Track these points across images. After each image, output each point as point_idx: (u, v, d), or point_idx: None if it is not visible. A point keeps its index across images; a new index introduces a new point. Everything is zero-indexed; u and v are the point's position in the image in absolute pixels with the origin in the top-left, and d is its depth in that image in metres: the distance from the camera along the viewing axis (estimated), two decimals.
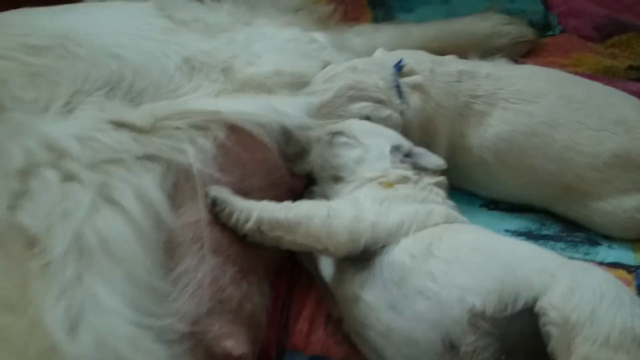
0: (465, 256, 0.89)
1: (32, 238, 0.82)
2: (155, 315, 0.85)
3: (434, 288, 0.87)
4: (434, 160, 1.08)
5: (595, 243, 1.11)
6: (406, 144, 1.10)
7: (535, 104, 1.15)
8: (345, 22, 1.64)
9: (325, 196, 1.08)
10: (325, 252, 0.96)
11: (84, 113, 0.98)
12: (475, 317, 0.83)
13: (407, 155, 1.07)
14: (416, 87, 1.22)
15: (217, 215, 0.98)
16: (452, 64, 1.26)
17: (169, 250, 0.93)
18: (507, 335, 0.83)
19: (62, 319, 0.77)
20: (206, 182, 0.99)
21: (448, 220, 0.99)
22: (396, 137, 1.12)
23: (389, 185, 1.02)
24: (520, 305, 0.83)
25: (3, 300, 0.77)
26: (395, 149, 1.07)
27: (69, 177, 0.89)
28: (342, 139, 1.09)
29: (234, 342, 0.92)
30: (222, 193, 0.99)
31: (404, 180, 1.03)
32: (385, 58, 1.28)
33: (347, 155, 1.08)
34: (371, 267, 0.93)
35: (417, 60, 1.27)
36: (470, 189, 1.24)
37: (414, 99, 1.21)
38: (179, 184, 0.99)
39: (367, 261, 0.94)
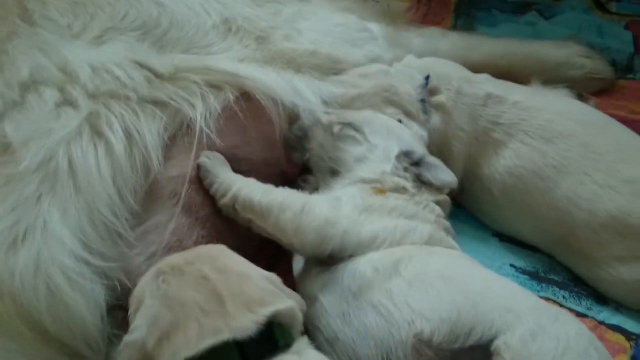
0: (429, 281, 0.82)
1: (8, 147, 0.84)
2: (107, 257, 0.85)
3: (388, 306, 0.81)
4: (443, 176, 0.99)
5: (602, 300, 1.00)
6: (419, 151, 1.02)
7: (552, 145, 1.05)
8: (422, 23, 1.58)
9: (318, 188, 1.02)
10: (291, 247, 0.91)
11: (112, 48, 1.00)
12: (420, 343, 0.77)
13: (416, 163, 0.99)
14: (439, 107, 1.15)
15: (202, 181, 0.96)
16: (482, 84, 1.18)
17: (147, 201, 0.93)
18: None
19: (6, 232, 0.79)
20: (204, 140, 0.98)
21: (429, 242, 0.91)
22: (410, 142, 1.03)
23: (381, 192, 0.95)
24: (472, 340, 0.76)
25: None
26: (404, 154, 0.99)
27: (66, 102, 0.91)
28: (350, 132, 1.02)
29: None
30: (210, 161, 0.97)
31: (400, 190, 0.96)
32: (415, 65, 1.21)
33: (350, 150, 1.01)
34: (334, 271, 0.88)
35: (446, 75, 1.19)
36: (479, 218, 1.16)
37: (435, 119, 1.15)
38: (177, 136, 0.98)
39: (332, 264, 0.89)
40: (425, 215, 0.94)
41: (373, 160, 0.99)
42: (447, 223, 0.97)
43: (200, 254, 0.79)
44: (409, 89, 1.15)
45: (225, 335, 0.69)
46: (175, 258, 0.78)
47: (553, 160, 1.04)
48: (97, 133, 0.89)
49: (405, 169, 0.98)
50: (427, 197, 0.96)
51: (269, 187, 0.93)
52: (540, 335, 0.74)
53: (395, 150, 1.00)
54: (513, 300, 0.80)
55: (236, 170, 0.98)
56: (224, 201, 0.93)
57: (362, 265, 0.86)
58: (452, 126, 1.14)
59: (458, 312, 0.78)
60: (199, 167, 0.96)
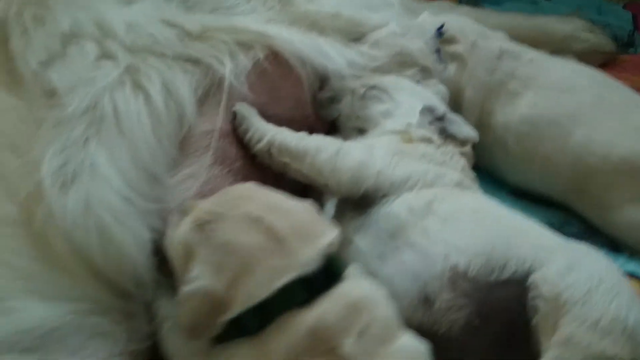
0: (463, 218, 0.87)
1: (55, 93, 0.87)
2: (149, 198, 0.87)
3: (424, 243, 0.85)
4: (466, 130, 1.04)
5: (616, 249, 1.05)
6: (442, 108, 1.07)
7: (567, 94, 1.11)
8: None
9: None
10: (326, 187, 0.95)
11: (141, 7, 1.02)
12: (456, 276, 0.81)
13: (440, 119, 1.04)
14: (455, 56, 1.20)
15: (236, 129, 0.99)
16: (497, 40, 1.23)
17: (182, 153, 0.96)
18: (487, 301, 0.80)
19: (57, 172, 0.81)
20: (233, 96, 1.01)
21: (459, 187, 0.95)
22: (433, 99, 1.09)
23: (409, 141, 0.99)
24: (507, 273, 0.80)
25: (10, 139, 0.82)
26: (428, 110, 1.04)
27: (106, 55, 0.93)
28: (375, 93, 1.08)
29: None
30: (245, 109, 1.00)
31: (427, 140, 1.00)
32: (429, 21, 1.26)
33: (376, 107, 1.06)
34: (369, 214, 0.92)
35: (461, 29, 1.24)
36: (492, 172, 1.20)
37: (450, 69, 1.19)
38: (209, 93, 1.01)
39: (366, 207, 0.93)
40: (453, 164, 0.98)
41: (399, 115, 1.04)
42: (473, 174, 1.01)
43: (239, 195, 0.81)
44: (420, 45, 1.18)
45: (293, 273, 0.72)
46: (212, 205, 0.79)
47: (568, 109, 1.10)
48: (137, 85, 0.92)
49: (430, 123, 1.02)
50: (452, 148, 1.01)
51: (303, 134, 0.97)
52: (576, 269, 0.78)
53: (419, 106, 1.04)
54: (544, 238, 0.85)
55: None
56: (260, 146, 0.97)
57: (396, 207, 0.90)
58: (466, 75, 1.19)
59: (492, 247, 0.82)
60: (234, 115, 0.99)
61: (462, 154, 1.02)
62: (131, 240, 0.82)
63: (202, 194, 0.94)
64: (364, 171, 0.92)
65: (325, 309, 0.71)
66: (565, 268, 0.78)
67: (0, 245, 0.75)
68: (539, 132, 1.11)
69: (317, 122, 1.12)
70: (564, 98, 1.11)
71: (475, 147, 1.15)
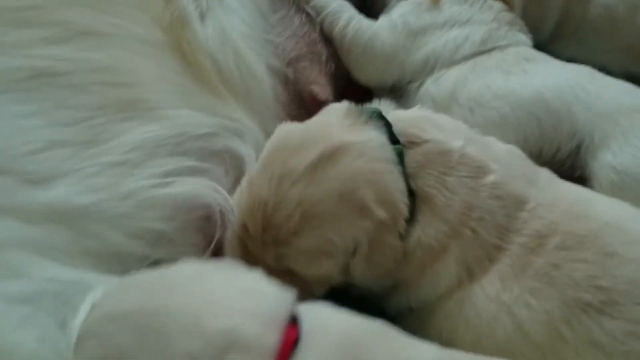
0: (488, 104, 0.88)
1: None
2: (264, 32, 0.99)
3: None
4: None
5: None
6: None
7: None
8: None
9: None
10: (359, 80, 1.03)
11: None
12: None
13: None
14: None
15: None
16: None
17: None
18: None
19: (194, 3, 0.91)
20: None
21: (484, 45, 0.96)
22: None
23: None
24: (548, 155, 0.85)
25: None
26: None
27: None
28: None
29: (320, 88, 1.04)
30: None
31: None
32: None
33: None
34: (401, 103, 0.96)
35: None
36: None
37: None
38: None
39: (398, 95, 1.00)
40: (481, 15, 0.98)
41: None
42: (510, 16, 1.01)
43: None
44: None
45: (385, 145, 0.75)
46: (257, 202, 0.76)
47: None
48: None
49: None
50: None
51: (350, 18, 1.02)
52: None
53: None
54: (583, 111, 0.86)
55: None
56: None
57: (422, 96, 0.95)
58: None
59: (524, 134, 0.85)
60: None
61: None
62: (262, 64, 0.94)
63: (298, 35, 1.05)
64: (388, 67, 0.99)
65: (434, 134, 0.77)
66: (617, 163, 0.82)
67: (161, 64, 0.85)
68: (611, 13, 1.20)
69: None
70: None
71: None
